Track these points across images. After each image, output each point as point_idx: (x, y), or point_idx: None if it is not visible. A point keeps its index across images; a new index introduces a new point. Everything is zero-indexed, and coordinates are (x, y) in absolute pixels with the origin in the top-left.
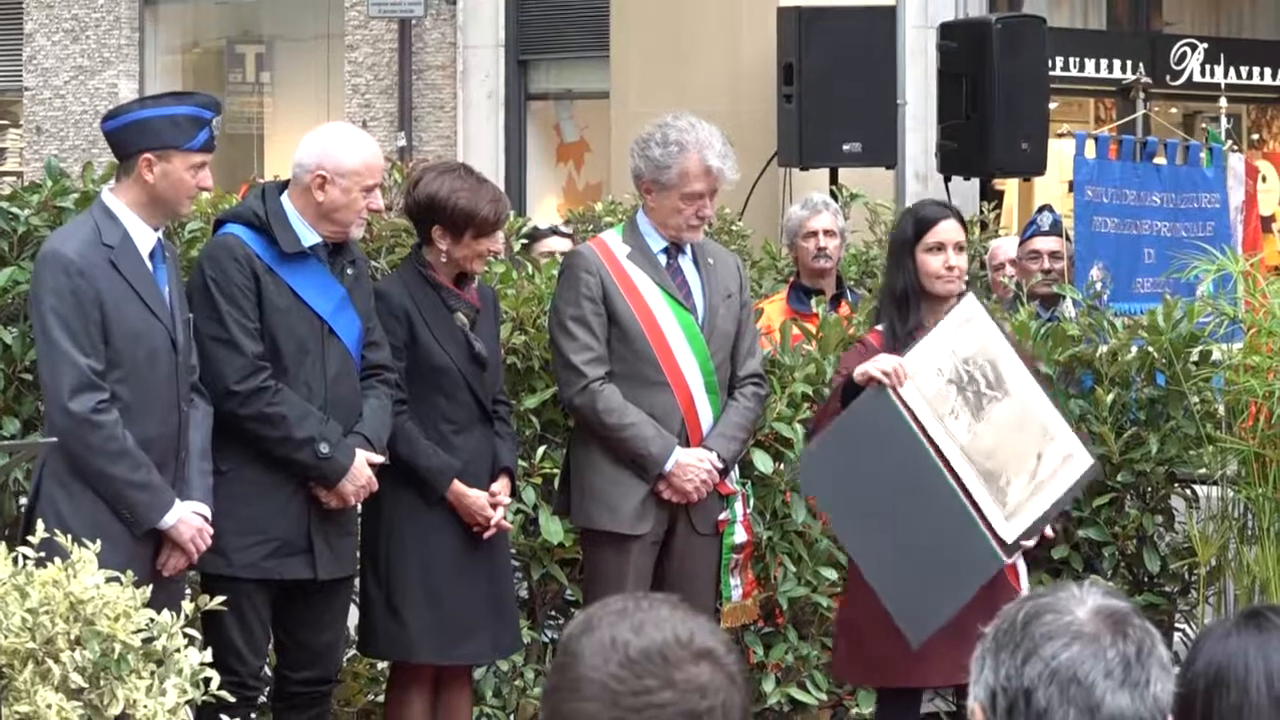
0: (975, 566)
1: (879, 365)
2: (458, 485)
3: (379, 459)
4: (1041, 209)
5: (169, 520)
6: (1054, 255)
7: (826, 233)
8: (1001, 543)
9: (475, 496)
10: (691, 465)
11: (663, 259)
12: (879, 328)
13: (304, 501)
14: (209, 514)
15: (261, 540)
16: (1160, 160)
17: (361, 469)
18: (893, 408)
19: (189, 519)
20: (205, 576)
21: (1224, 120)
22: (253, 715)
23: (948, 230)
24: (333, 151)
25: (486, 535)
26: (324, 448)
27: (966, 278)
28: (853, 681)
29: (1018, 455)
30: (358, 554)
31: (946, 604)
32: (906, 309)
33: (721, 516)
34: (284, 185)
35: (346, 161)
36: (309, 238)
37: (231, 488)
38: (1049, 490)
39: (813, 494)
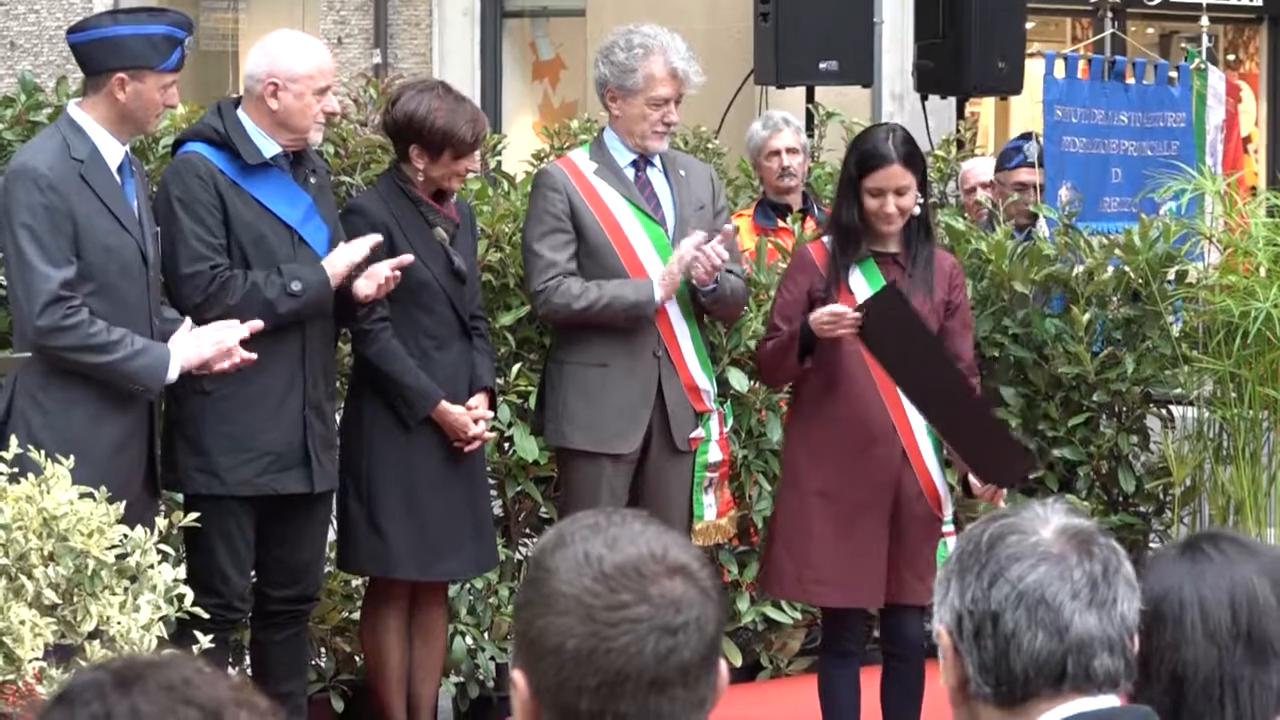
0: (1008, 463)
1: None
2: (442, 404)
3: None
4: (1028, 137)
5: (173, 372)
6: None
7: (789, 150)
8: None
9: (458, 413)
10: (677, 258)
11: (630, 172)
12: (825, 240)
13: (297, 413)
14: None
15: (255, 456)
16: (1129, 79)
17: (339, 267)
18: (906, 307)
19: (188, 344)
20: (195, 497)
21: (1205, 39)
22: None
23: (888, 177)
24: (281, 59)
25: (469, 449)
26: (296, 285)
27: (935, 201)
28: (767, 591)
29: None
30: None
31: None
32: (847, 240)
33: (694, 434)
34: (239, 100)
35: (296, 67)
36: (269, 148)
37: (218, 406)
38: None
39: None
